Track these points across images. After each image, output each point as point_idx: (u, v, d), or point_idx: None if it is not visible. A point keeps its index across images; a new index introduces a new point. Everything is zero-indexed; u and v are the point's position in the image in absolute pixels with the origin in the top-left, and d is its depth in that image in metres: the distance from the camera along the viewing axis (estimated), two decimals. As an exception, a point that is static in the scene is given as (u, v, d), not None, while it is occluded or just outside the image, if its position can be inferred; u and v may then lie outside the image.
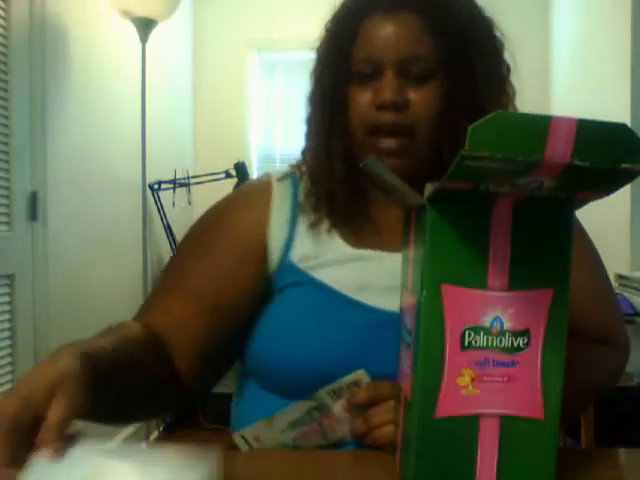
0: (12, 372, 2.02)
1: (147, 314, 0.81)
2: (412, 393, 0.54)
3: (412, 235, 0.59)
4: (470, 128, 0.43)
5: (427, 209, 0.52)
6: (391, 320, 0.71)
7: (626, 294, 2.53)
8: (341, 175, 0.83)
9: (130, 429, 2.93)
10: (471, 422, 0.53)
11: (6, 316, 2.01)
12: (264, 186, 0.88)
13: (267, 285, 0.83)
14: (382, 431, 0.69)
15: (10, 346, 2.02)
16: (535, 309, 0.53)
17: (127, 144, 2.85)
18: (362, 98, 0.80)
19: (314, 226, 0.83)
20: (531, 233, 0.53)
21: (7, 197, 2.01)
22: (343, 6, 0.85)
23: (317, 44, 0.87)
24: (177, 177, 3.33)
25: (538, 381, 0.54)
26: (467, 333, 0.52)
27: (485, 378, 0.53)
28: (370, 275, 0.81)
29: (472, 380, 0.53)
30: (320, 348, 0.77)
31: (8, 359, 2.01)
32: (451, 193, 0.50)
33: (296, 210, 0.85)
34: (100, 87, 2.67)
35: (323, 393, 0.70)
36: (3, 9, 1.95)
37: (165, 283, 0.85)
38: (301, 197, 0.86)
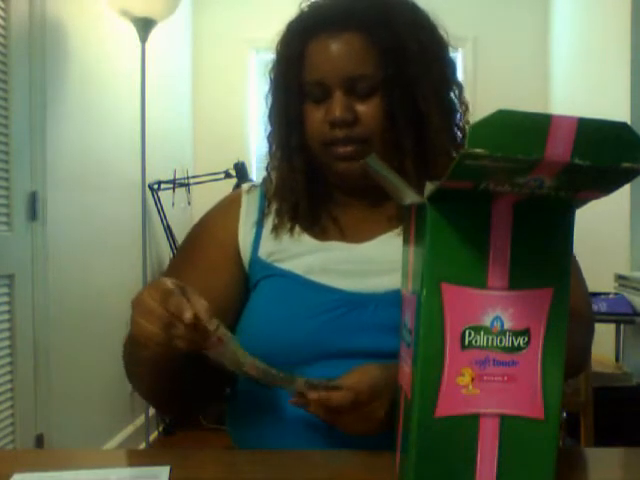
0: (12, 372, 2.02)
1: None
2: (412, 392, 0.54)
3: (412, 234, 0.58)
4: (470, 126, 0.42)
5: (427, 208, 0.52)
6: (354, 300, 0.84)
7: (626, 294, 2.53)
8: (304, 188, 0.90)
9: (130, 429, 2.93)
10: (471, 422, 0.53)
11: (6, 316, 2.00)
12: (235, 197, 0.97)
13: (248, 286, 0.92)
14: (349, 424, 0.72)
15: (10, 346, 2.02)
16: (535, 309, 0.53)
17: (127, 144, 2.85)
18: (315, 116, 0.87)
19: (277, 228, 0.91)
20: (531, 233, 0.53)
21: (7, 197, 2.00)
22: (289, 28, 0.90)
23: (269, 66, 0.93)
24: (177, 177, 3.33)
25: (538, 381, 0.54)
26: (467, 332, 0.52)
27: (485, 377, 0.53)
28: (333, 262, 0.88)
29: (472, 379, 0.53)
30: (290, 327, 0.83)
31: (8, 359, 2.01)
32: (451, 192, 0.49)
33: (262, 214, 0.94)
34: (100, 87, 2.67)
35: (301, 381, 0.70)
36: (3, 9, 1.95)
37: None
38: (267, 203, 0.95)
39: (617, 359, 2.64)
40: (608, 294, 2.57)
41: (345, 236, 0.91)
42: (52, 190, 2.22)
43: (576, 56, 3.56)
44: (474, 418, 0.53)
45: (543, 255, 0.54)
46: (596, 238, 2.95)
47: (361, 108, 0.85)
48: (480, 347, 0.52)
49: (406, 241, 0.62)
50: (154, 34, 2.75)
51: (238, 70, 3.91)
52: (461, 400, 0.53)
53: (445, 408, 0.53)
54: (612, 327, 2.69)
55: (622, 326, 2.65)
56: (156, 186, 3.11)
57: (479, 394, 0.53)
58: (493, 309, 0.52)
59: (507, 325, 0.53)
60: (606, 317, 2.45)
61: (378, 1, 0.87)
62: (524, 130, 0.43)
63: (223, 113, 3.90)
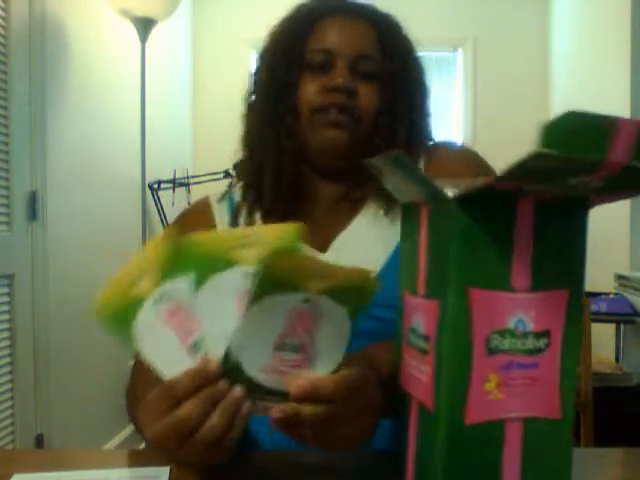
0: (12, 372, 2.02)
1: None
2: (436, 402, 0.52)
3: (423, 235, 0.56)
4: (542, 127, 0.41)
5: (455, 210, 0.50)
6: None
7: (626, 294, 2.53)
8: (290, 172, 0.91)
9: (130, 429, 2.93)
10: (497, 427, 0.52)
11: (6, 316, 2.00)
12: (205, 208, 0.97)
13: None
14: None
15: (10, 346, 2.02)
16: (554, 309, 0.52)
17: (127, 144, 2.85)
18: (311, 85, 0.89)
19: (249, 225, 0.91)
20: (550, 233, 0.52)
21: (7, 197, 2.00)
22: (298, 10, 0.93)
23: (261, 51, 0.96)
24: (177, 177, 3.33)
25: (557, 380, 0.53)
26: (493, 337, 0.51)
27: (509, 382, 0.52)
28: None
29: (497, 384, 0.52)
30: None
31: (8, 359, 2.01)
32: (476, 194, 0.48)
33: (234, 219, 0.94)
34: (100, 87, 2.67)
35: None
36: (3, 9, 1.95)
37: None
38: (236, 208, 0.95)
39: (617, 359, 2.65)
40: (608, 294, 2.57)
41: (313, 240, 0.83)
42: (52, 190, 2.22)
43: (576, 56, 3.56)
44: (500, 423, 0.52)
45: (561, 255, 0.53)
46: (596, 238, 2.95)
47: (362, 88, 0.89)
48: (504, 351, 0.51)
49: (409, 240, 0.60)
50: (154, 34, 2.76)
51: (238, 70, 3.91)
52: (488, 406, 0.52)
53: (473, 416, 0.51)
54: (612, 327, 2.69)
55: (622, 326, 2.66)
56: (156, 186, 3.11)
57: (503, 398, 0.52)
58: (517, 311, 0.51)
59: (529, 327, 0.52)
60: (606, 317, 2.45)
61: (377, 6, 0.96)
62: (591, 131, 0.42)
63: (223, 113, 3.90)
